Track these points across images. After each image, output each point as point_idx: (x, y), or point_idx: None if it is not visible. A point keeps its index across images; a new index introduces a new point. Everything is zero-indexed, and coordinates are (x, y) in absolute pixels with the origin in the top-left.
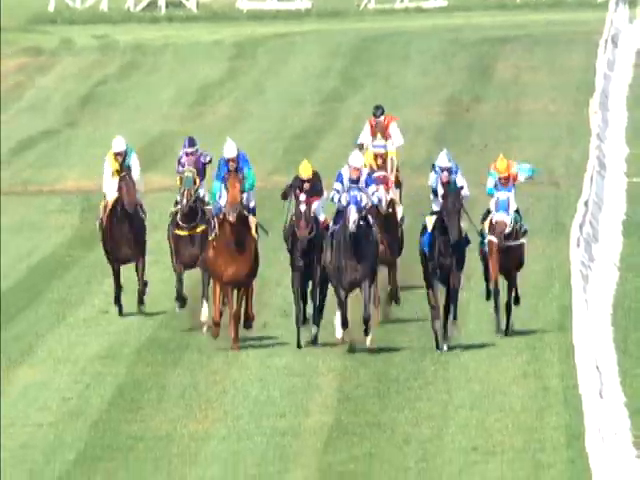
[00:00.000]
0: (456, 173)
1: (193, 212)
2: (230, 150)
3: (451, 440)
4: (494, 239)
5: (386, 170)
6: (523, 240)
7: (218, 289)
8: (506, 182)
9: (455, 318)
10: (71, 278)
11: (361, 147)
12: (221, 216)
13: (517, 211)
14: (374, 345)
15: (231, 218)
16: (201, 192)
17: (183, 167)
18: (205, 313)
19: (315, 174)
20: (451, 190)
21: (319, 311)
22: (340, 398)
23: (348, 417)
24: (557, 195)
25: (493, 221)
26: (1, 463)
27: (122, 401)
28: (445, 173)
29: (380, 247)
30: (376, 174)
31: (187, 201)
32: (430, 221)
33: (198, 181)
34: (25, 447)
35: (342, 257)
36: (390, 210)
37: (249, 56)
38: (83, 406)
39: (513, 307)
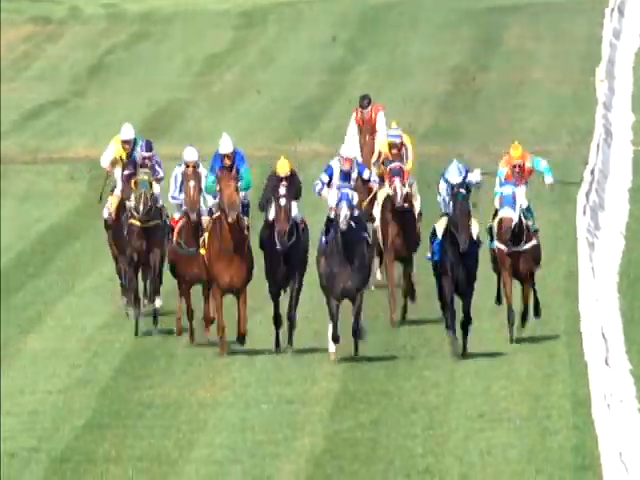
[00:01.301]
0: (468, 186)
1: (148, 216)
2: (226, 146)
3: (457, 408)
4: (502, 247)
5: (401, 161)
6: (534, 242)
7: (216, 292)
8: (519, 172)
9: (466, 334)
10: (80, 246)
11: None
12: (216, 216)
13: (528, 209)
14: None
15: (230, 219)
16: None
17: (132, 174)
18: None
19: (293, 173)
20: (458, 198)
21: (290, 327)
22: (347, 366)
23: (355, 385)
24: (563, 163)
25: (498, 219)
26: None
27: (130, 369)
28: (457, 189)
29: (397, 242)
30: (392, 165)
31: (144, 206)
32: (440, 226)
33: (154, 185)
34: (34, 414)
35: (334, 264)
36: (406, 204)
37: (256, 25)
38: (92, 373)
39: (532, 317)
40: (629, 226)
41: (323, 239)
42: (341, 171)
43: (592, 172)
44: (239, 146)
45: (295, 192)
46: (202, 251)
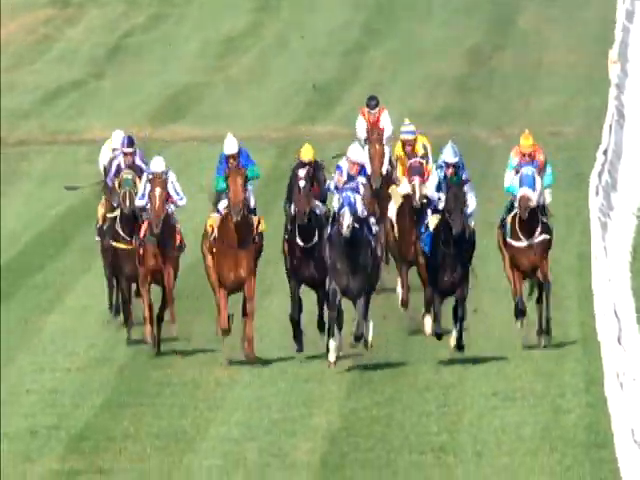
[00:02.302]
0: (463, 170)
1: (134, 217)
2: (230, 146)
3: (472, 386)
4: (516, 243)
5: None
6: (547, 235)
7: (222, 295)
8: (530, 159)
9: (461, 332)
10: None
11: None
12: (224, 214)
13: (544, 208)
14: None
15: (234, 219)
16: (143, 202)
17: (119, 168)
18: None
19: (317, 162)
20: (454, 183)
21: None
22: (362, 346)
23: (370, 364)
24: (577, 144)
25: (517, 196)
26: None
27: (148, 348)
28: (451, 168)
29: (408, 241)
30: (412, 161)
31: (129, 203)
32: (433, 220)
33: (138, 182)
34: (54, 392)
35: (337, 260)
36: (425, 201)
37: (273, 8)
38: (110, 352)
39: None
40: None
41: (329, 231)
42: (348, 174)
43: (605, 153)
44: (258, 127)
45: (318, 182)
46: (209, 260)
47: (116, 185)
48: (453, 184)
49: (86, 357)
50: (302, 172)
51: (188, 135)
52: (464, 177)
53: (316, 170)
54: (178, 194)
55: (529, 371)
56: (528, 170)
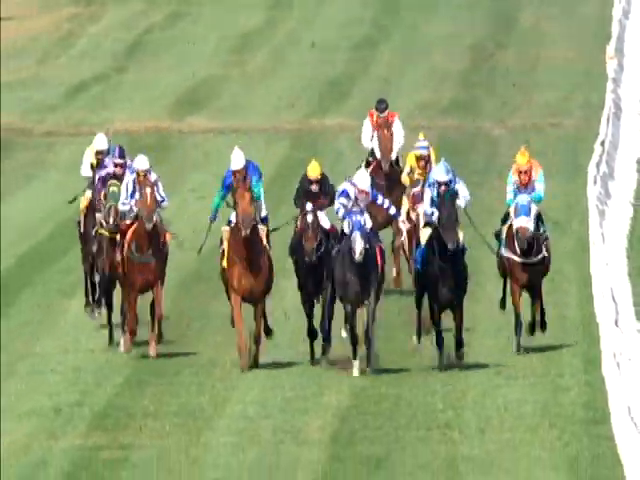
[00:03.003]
0: (455, 182)
1: (116, 230)
2: (237, 162)
3: (475, 365)
4: (514, 257)
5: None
6: (545, 253)
7: (237, 303)
8: (525, 179)
9: (461, 347)
10: None
11: (367, 163)
12: (234, 226)
13: (539, 217)
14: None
15: (243, 233)
16: (127, 207)
17: (107, 176)
18: (126, 344)
19: (324, 176)
20: (447, 199)
21: (328, 329)
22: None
23: (379, 344)
24: (575, 136)
25: (513, 229)
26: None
27: (167, 328)
28: (443, 187)
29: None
30: (415, 189)
31: (114, 219)
32: (424, 234)
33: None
34: (77, 370)
35: (347, 272)
36: None
37: (286, 6)
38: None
39: (538, 330)
40: (638, 194)
41: (336, 249)
42: (356, 198)
43: (602, 144)
44: (272, 119)
45: (326, 196)
46: (224, 263)
47: (102, 197)
48: (446, 201)
49: (108, 338)
50: (309, 206)
51: (205, 127)
52: (454, 185)
53: (322, 184)
54: (161, 196)
55: (530, 351)
56: (524, 199)
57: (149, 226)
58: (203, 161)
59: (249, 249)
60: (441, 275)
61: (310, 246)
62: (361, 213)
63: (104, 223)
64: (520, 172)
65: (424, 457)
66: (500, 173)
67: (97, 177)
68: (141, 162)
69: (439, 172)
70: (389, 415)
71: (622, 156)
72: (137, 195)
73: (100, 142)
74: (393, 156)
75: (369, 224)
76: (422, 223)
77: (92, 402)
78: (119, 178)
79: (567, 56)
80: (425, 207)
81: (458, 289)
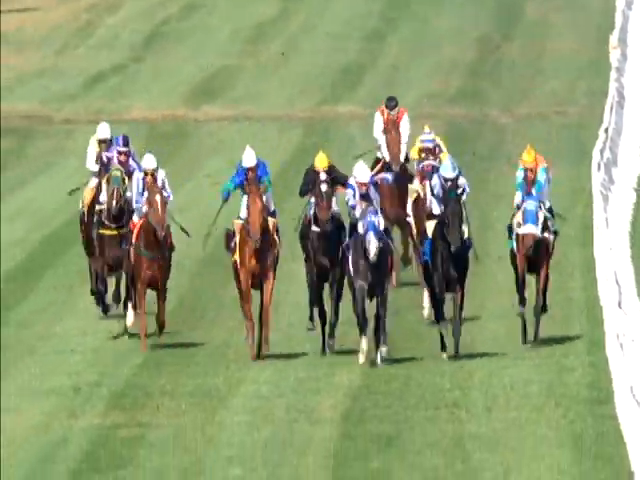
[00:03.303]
0: (459, 176)
1: (121, 213)
2: (249, 159)
3: (482, 347)
4: (522, 232)
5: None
6: (549, 235)
7: (245, 296)
8: (531, 176)
9: (458, 334)
10: None
11: (376, 160)
12: (244, 222)
13: (550, 209)
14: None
15: (253, 245)
16: (128, 194)
17: (111, 163)
18: (130, 318)
19: (331, 166)
20: (451, 196)
21: (335, 314)
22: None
23: (389, 327)
24: (580, 123)
25: (520, 234)
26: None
27: (183, 311)
28: (450, 183)
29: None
30: (424, 163)
31: (117, 202)
32: (430, 227)
33: (127, 181)
34: (96, 352)
35: (358, 261)
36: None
37: None
38: (148, 316)
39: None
40: None
41: (346, 243)
42: (360, 194)
43: (606, 131)
44: (285, 107)
45: (339, 180)
46: (236, 257)
47: (104, 181)
48: (451, 199)
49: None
50: (323, 175)
51: (220, 115)
52: (460, 181)
53: (332, 173)
54: (167, 191)
55: (538, 341)
56: (531, 205)
57: (161, 234)
58: (218, 148)
59: (258, 251)
60: (444, 263)
61: (324, 216)
62: (375, 213)
63: (105, 220)
64: (526, 169)
65: (432, 435)
66: (506, 159)
67: (100, 164)
68: (149, 161)
69: (446, 168)
70: (399, 395)
71: (625, 143)
72: (145, 194)
73: (103, 131)
74: (402, 157)
75: (382, 225)
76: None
77: (110, 382)
78: (123, 165)
79: (572, 47)
80: (433, 187)
81: (459, 275)
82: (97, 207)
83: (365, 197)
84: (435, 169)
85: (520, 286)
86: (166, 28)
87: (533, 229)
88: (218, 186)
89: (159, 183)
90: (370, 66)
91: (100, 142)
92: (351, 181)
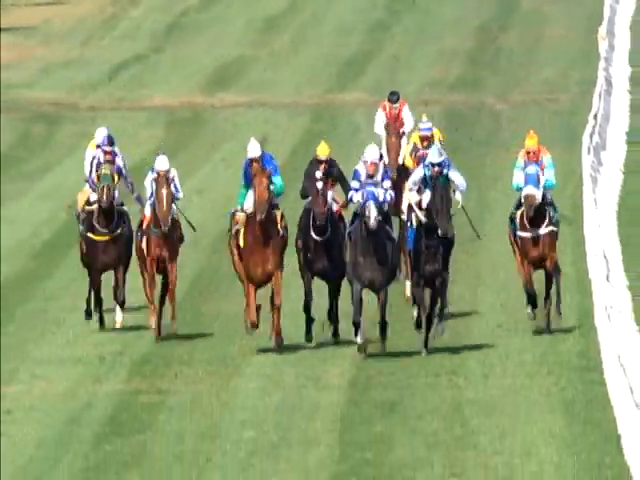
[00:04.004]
0: (448, 168)
1: (111, 212)
2: (254, 150)
3: (479, 318)
4: (524, 234)
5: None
6: (552, 227)
7: (251, 290)
8: (534, 158)
9: (441, 320)
10: None
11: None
12: (250, 212)
13: (552, 204)
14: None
15: (258, 217)
16: (117, 193)
17: (99, 163)
18: (119, 317)
19: (332, 160)
20: (440, 183)
21: (335, 312)
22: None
23: (390, 299)
24: (571, 110)
25: (522, 195)
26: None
27: (200, 287)
28: (436, 168)
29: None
30: (421, 152)
31: (107, 198)
32: (416, 217)
33: (116, 178)
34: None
35: (360, 254)
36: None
37: None
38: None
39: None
40: (627, 163)
41: (348, 230)
42: (367, 174)
43: (595, 117)
44: (295, 94)
45: (335, 177)
46: (240, 242)
47: (94, 179)
48: (439, 185)
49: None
50: (319, 174)
51: (235, 102)
52: (448, 171)
53: (331, 167)
54: (177, 189)
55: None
56: (532, 169)
57: (165, 228)
58: (233, 133)
59: (265, 231)
60: (427, 256)
61: (320, 210)
62: (374, 185)
63: (95, 223)
64: (528, 153)
65: (432, 401)
66: (502, 143)
67: (89, 164)
68: (162, 163)
69: (432, 154)
70: (401, 363)
71: (613, 128)
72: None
73: (101, 136)
74: (400, 161)
75: (385, 197)
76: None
77: (132, 352)
78: (110, 163)
79: (564, 36)
80: (411, 180)
81: (442, 268)
82: (87, 208)
83: (371, 178)
84: None
85: (528, 288)
86: (185, 20)
87: (533, 190)
88: (232, 168)
89: (170, 181)
90: (374, 56)
91: (98, 147)
92: (358, 167)
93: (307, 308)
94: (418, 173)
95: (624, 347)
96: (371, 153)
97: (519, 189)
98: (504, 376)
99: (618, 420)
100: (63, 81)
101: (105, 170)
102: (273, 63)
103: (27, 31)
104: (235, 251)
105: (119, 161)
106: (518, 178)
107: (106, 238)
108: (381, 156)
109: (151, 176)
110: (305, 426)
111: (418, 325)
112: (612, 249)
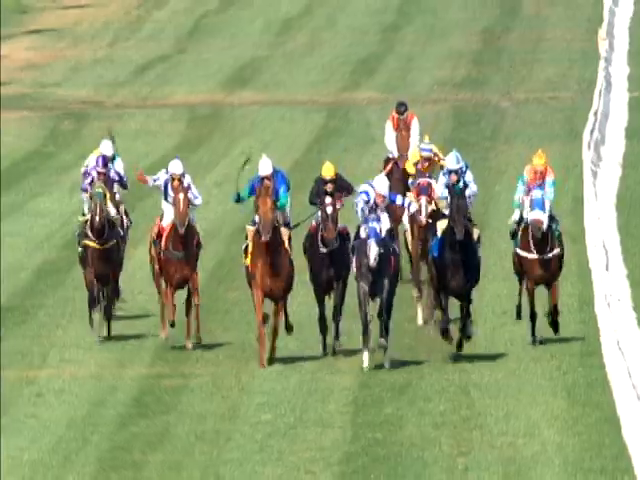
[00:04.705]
0: (465, 171)
1: (103, 227)
2: (265, 168)
3: (485, 305)
4: (528, 255)
5: (430, 177)
6: (558, 250)
7: (259, 300)
8: (540, 179)
9: (469, 335)
10: None
11: (387, 160)
12: (257, 227)
13: (552, 217)
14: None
15: (264, 239)
16: (111, 211)
17: (93, 180)
18: (102, 329)
19: (338, 175)
20: (456, 191)
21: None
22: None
23: (400, 285)
24: (572, 107)
25: (528, 221)
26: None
27: (221, 274)
28: (453, 175)
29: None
30: (420, 180)
31: (99, 217)
32: (441, 225)
33: (109, 196)
34: (144, 310)
35: (364, 267)
36: (430, 220)
37: None
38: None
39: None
40: (625, 158)
41: (352, 243)
42: (371, 206)
43: (595, 114)
44: (310, 93)
45: (344, 191)
46: (247, 260)
47: (88, 196)
48: (455, 193)
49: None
50: (328, 198)
51: (252, 100)
52: (465, 178)
53: (337, 183)
54: (195, 196)
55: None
56: (538, 194)
57: (182, 230)
58: (250, 129)
59: (271, 251)
60: (452, 265)
61: (330, 237)
62: (377, 220)
63: (89, 233)
64: (535, 172)
65: (440, 384)
66: (505, 139)
67: (83, 182)
68: (176, 166)
69: (450, 161)
70: (410, 349)
71: (612, 125)
72: (171, 194)
73: (105, 148)
74: (409, 154)
75: (387, 225)
76: (425, 210)
77: (156, 337)
78: (104, 183)
79: (565, 37)
80: (438, 189)
81: (468, 280)
82: (81, 218)
83: (376, 208)
84: (430, 185)
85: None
86: (205, 22)
87: (540, 214)
88: (250, 163)
89: (187, 188)
90: (386, 56)
91: (97, 160)
92: (368, 188)
93: (322, 326)
94: (442, 181)
95: (623, 333)
96: (380, 184)
97: (519, 206)
98: (509, 360)
99: (617, 402)
100: (91, 80)
101: (97, 188)
102: (289, 63)
103: (57, 33)
104: (247, 260)
105: (113, 174)
106: (520, 193)
107: (99, 247)
108: (388, 160)
109: (164, 177)
110: (320, 409)
111: (443, 333)
112: (611, 240)
